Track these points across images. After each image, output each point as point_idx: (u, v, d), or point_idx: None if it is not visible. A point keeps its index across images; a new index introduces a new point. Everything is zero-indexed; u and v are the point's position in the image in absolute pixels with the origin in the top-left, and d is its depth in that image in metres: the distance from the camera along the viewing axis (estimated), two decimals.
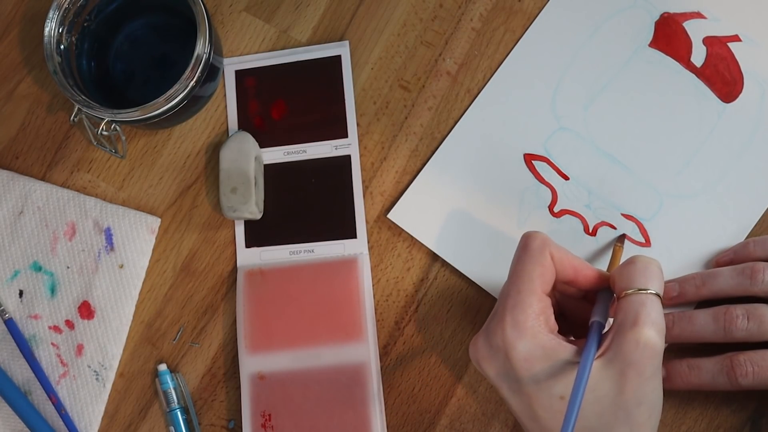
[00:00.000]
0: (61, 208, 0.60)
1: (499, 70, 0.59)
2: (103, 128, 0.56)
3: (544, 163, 0.58)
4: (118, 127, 0.57)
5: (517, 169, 0.58)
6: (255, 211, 0.58)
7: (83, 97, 0.56)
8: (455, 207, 0.58)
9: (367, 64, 0.60)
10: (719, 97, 0.57)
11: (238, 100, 0.61)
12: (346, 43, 0.60)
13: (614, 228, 0.56)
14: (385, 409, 0.56)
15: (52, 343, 0.59)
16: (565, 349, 0.45)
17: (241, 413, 0.57)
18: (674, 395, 0.54)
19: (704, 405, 0.54)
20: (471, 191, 0.58)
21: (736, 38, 0.57)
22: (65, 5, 0.57)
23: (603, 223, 0.57)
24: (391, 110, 0.60)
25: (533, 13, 0.60)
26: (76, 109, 0.57)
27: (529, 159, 0.58)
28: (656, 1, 0.58)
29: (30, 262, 0.60)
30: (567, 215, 0.57)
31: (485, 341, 0.47)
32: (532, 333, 0.45)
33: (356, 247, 0.58)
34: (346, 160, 0.59)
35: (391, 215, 0.58)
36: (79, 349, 0.59)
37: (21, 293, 0.60)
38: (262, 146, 0.60)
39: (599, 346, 0.45)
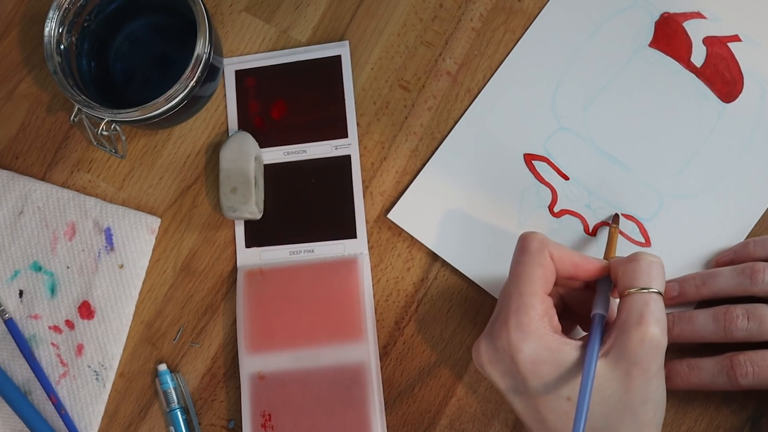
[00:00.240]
0: (61, 208, 0.60)
1: (499, 70, 0.59)
2: (103, 128, 0.56)
3: (544, 163, 0.58)
4: (118, 127, 0.57)
5: (517, 169, 0.58)
6: (255, 211, 0.58)
7: (83, 97, 0.56)
8: (455, 207, 0.58)
9: (367, 64, 0.60)
10: (719, 97, 0.57)
11: (238, 100, 0.61)
12: (346, 43, 0.60)
13: (607, 224, 0.56)
14: (385, 409, 0.56)
15: (52, 343, 0.59)
16: (570, 347, 0.45)
17: (241, 413, 0.57)
18: (674, 395, 0.54)
19: (704, 405, 0.54)
20: (471, 191, 0.58)
21: (736, 38, 0.57)
22: (65, 5, 0.57)
23: (603, 223, 0.57)
24: (391, 110, 0.60)
25: (533, 13, 0.60)
26: (76, 109, 0.57)
27: (529, 159, 0.58)
28: (656, 1, 0.58)
29: (30, 262, 0.60)
30: (567, 215, 0.57)
31: (489, 344, 0.47)
32: (537, 335, 0.45)
33: (356, 247, 0.58)
34: (346, 160, 0.59)
35: (391, 215, 0.58)
36: (79, 349, 0.59)
37: (21, 293, 0.60)
38: (262, 146, 0.60)
39: (603, 339, 0.46)
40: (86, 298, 0.59)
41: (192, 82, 0.56)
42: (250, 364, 0.57)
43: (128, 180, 0.61)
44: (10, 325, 0.59)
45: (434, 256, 0.58)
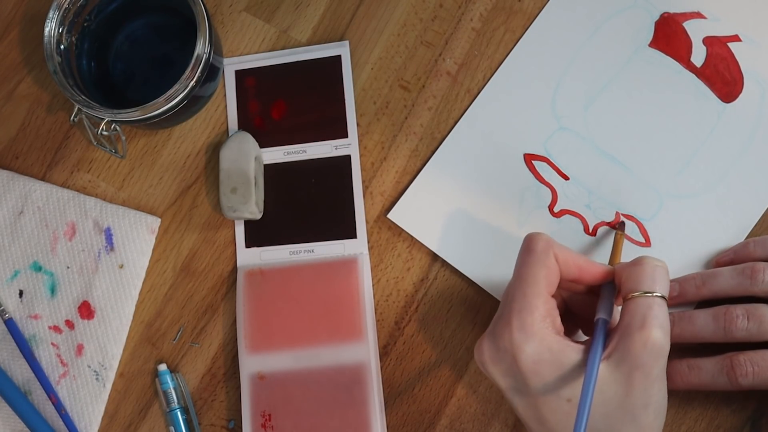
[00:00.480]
0: (61, 208, 0.60)
1: (499, 70, 0.59)
2: (103, 128, 0.56)
3: (544, 163, 0.58)
4: (118, 127, 0.57)
5: (517, 169, 0.58)
6: (255, 211, 0.58)
7: (83, 97, 0.56)
8: (455, 207, 0.58)
9: (367, 64, 0.60)
10: (719, 97, 0.57)
11: (238, 100, 0.61)
12: (346, 43, 0.60)
13: (614, 228, 0.56)
14: (385, 409, 0.56)
15: (52, 343, 0.59)
16: (572, 349, 0.45)
17: (241, 413, 0.57)
18: (674, 395, 0.54)
19: (704, 405, 0.54)
20: (471, 191, 0.58)
21: (736, 38, 0.57)
22: (65, 5, 0.57)
23: (603, 223, 0.57)
24: (391, 110, 0.60)
25: (533, 13, 0.60)
26: (76, 109, 0.57)
27: (529, 159, 0.58)
28: (656, 1, 0.58)
29: (30, 262, 0.60)
30: (567, 215, 0.57)
31: (491, 344, 0.47)
32: (539, 335, 0.45)
33: (356, 247, 0.58)
34: (346, 160, 0.59)
35: (391, 215, 0.58)
36: (79, 349, 0.59)
37: (21, 293, 0.60)
38: (262, 146, 0.60)
39: (605, 343, 0.46)
40: (86, 298, 0.59)
41: (192, 82, 0.56)
42: (250, 364, 0.57)
43: (128, 180, 0.61)
44: (10, 325, 0.59)
45: (434, 256, 0.58)
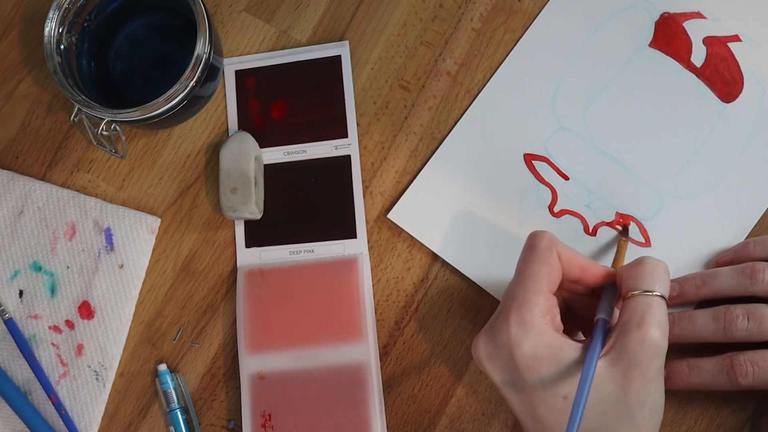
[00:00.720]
0: (61, 208, 0.60)
1: (499, 70, 0.59)
2: (103, 128, 0.56)
3: (544, 163, 0.58)
4: (118, 127, 0.57)
5: (517, 169, 0.58)
6: (255, 211, 0.58)
7: (83, 97, 0.56)
8: (455, 207, 0.58)
9: (367, 64, 0.60)
10: (719, 97, 0.57)
11: (238, 100, 0.61)
12: (346, 43, 0.60)
13: (614, 228, 0.56)
14: (385, 409, 0.56)
15: (52, 343, 0.59)
16: (570, 348, 0.45)
17: (241, 413, 0.57)
18: (674, 395, 0.54)
19: (704, 405, 0.54)
20: (471, 191, 0.58)
21: (736, 38, 0.57)
22: (65, 5, 0.57)
23: (603, 223, 0.57)
24: (391, 110, 0.60)
25: (533, 13, 0.60)
26: (76, 109, 0.57)
27: (529, 159, 0.58)
28: (656, 1, 0.58)
29: (30, 262, 0.60)
30: (567, 215, 0.57)
31: (489, 339, 0.47)
32: (538, 332, 0.45)
33: (356, 247, 0.58)
34: (346, 160, 0.59)
35: (391, 215, 0.58)
36: (79, 349, 0.59)
37: (21, 293, 0.60)
38: (262, 146, 0.60)
39: (604, 342, 0.46)
40: (86, 298, 0.59)
41: (192, 82, 0.56)
42: (250, 364, 0.57)
43: (128, 180, 0.61)
44: (10, 325, 0.59)
45: (434, 256, 0.58)
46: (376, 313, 0.58)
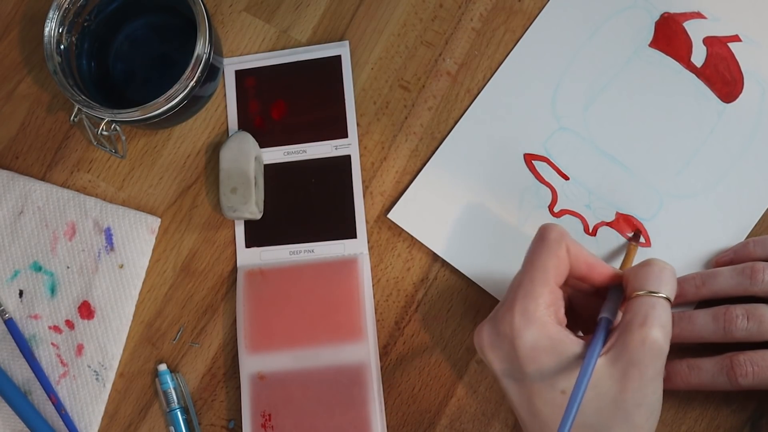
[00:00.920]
0: (61, 208, 0.60)
1: (499, 70, 0.59)
2: (103, 128, 0.56)
3: (544, 163, 0.58)
4: (118, 127, 0.57)
5: (517, 169, 0.58)
6: (255, 211, 0.58)
7: (83, 97, 0.56)
8: (455, 207, 0.58)
9: (367, 64, 0.60)
10: (719, 97, 0.57)
11: (238, 100, 0.61)
12: (346, 43, 0.60)
13: (624, 236, 0.56)
14: (385, 409, 0.56)
15: (52, 343, 0.59)
16: (572, 342, 0.45)
17: (241, 413, 0.57)
18: (674, 395, 0.54)
19: (704, 405, 0.54)
20: (471, 191, 0.58)
21: (736, 38, 0.57)
22: (65, 5, 0.57)
23: (603, 223, 0.57)
24: (391, 110, 0.60)
25: (533, 13, 0.60)
26: (76, 109, 0.57)
27: (529, 159, 0.58)
28: (656, 1, 0.58)
29: (30, 262, 0.60)
30: (567, 215, 0.57)
31: (492, 328, 0.47)
32: (540, 322, 0.45)
33: (356, 247, 0.58)
34: (346, 160, 0.59)
35: (391, 215, 0.58)
36: (79, 349, 0.59)
37: (21, 293, 0.60)
38: (262, 146, 0.60)
39: (606, 341, 0.46)
40: (86, 298, 0.59)
41: (192, 82, 0.56)
42: (250, 364, 0.57)
43: (128, 180, 0.61)
44: (10, 325, 0.59)
45: (434, 256, 0.58)
46: (376, 313, 0.58)
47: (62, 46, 0.57)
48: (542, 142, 0.58)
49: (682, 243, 0.56)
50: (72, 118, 0.57)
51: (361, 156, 0.59)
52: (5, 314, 0.59)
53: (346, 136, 0.59)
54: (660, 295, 0.46)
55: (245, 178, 0.57)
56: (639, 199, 0.56)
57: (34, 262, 0.60)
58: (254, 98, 0.61)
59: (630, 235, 0.56)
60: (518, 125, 0.58)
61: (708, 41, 0.58)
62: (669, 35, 0.58)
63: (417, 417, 0.56)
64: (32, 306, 0.59)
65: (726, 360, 0.51)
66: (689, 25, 0.58)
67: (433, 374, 0.57)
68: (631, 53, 0.58)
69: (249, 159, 0.58)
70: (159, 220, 0.60)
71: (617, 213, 0.56)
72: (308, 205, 0.59)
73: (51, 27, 0.57)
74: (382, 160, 0.59)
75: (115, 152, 0.59)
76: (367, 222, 0.59)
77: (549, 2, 0.59)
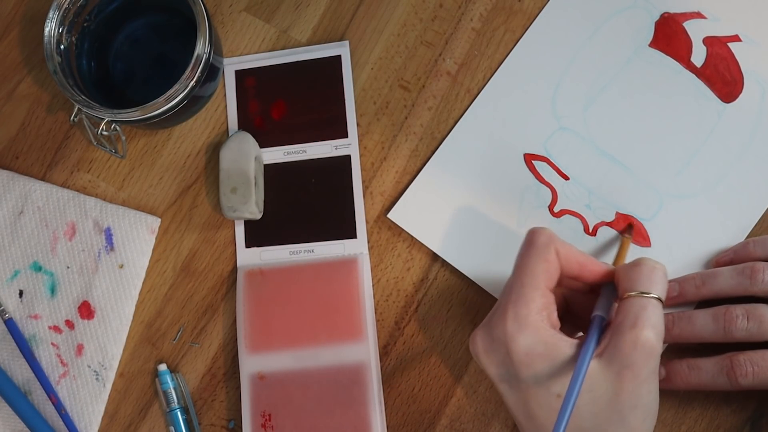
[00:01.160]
0: (61, 208, 0.60)
1: (499, 70, 0.59)
2: (103, 128, 0.56)
3: (544, 163, 0.58)
4: (118, 127, 0.57)
5: (517, 169, 0.58)
6: (255, 211, 0.58)
7: (83, 97, 0.56)
8: (455, 207, 0.58)
9: (367, 64, 0.60)
10: (719, 97, 0.57)
11: (238, 100, 0.61)
12: (346, 43, 0.60)
13: (614, 228, 0.56)
14: (385, 409, 0.56)
15: (52, 343, 0.59)
16: (566, 344, 0.45)
17: (241, 413, 0.57)
18: (674, 395, 0.54)
19: (704, 405, 0.54)
20: (471, 191, 0.58)
21: (736, 38, 0.57)
22: (65, 5, 0.57)
23: (603, 223, 0.57)
24: (391, 110, 0.60)
25: (533, 13, 0.60)
26: (76, 109, 0.57)
27: (529, 159, 0.58)
28: (656, 1, 0.58)
29: (30, 262, 0.60)
30: (567, 215, 0.57)
31: (486, 334, 0.47)
32: (533, 327, 0.45)
33: (356, 247, 0.58)
34: (346, 160, 0.59)
35: (391, 215, 0.58)
36: (79, 349, 0.59)
37: (21, 293, 0.60)
38: (262, 146, 0.60)
39: (600, 341, 0.45)
40: (86, 298, 0.59)
41: (192, 82, 0.56)
42: (250, 364, 0.57)
43: (128, 180, 0.61)
44: (10, 325, 0.59)
45: (434, 256, 0.58)
46: (376, 313, 0.58)
47: (62, 46, 0.57)
48: (542, 142, 0.58)
49: (682, 243, 0.56)
50: (72, 118, 0.57)
51: (361, 156, 0.59)
52: (5, 314, 0.59)
53: (346, 136, 0.59)
54: (651, 295, 0.46)
55: (245, 178, 0.57)
56: (639, 199, 0.56)
57: (34, 262, 0.60)
58: (254, 98, 0.61)
59: (623, 227, 0.56)
60: (518, 125, 0.58)
61: (708, 41, 0.58)
62: (669, 35, 0.58)
63: (417, 417, 0.56)
64: (32, 306, 0.59)
65: (726, 360, 0.51)
66: (689, 25, 0.58)
67: (433, 374, 0.57)
68: (631, 53, 0.58)
69: (249, 159, 0.58)
70: (159, 220, 0.60)
71: (617, 213, 0.57)
72: (308, 205, 0.59)
73: (51, 27, 0.57)
74: (382, 160, 0.59)
75: (115, 152, 0.59)
76: (367, 222, 0.59)
77: (549, 2, 0.59)
